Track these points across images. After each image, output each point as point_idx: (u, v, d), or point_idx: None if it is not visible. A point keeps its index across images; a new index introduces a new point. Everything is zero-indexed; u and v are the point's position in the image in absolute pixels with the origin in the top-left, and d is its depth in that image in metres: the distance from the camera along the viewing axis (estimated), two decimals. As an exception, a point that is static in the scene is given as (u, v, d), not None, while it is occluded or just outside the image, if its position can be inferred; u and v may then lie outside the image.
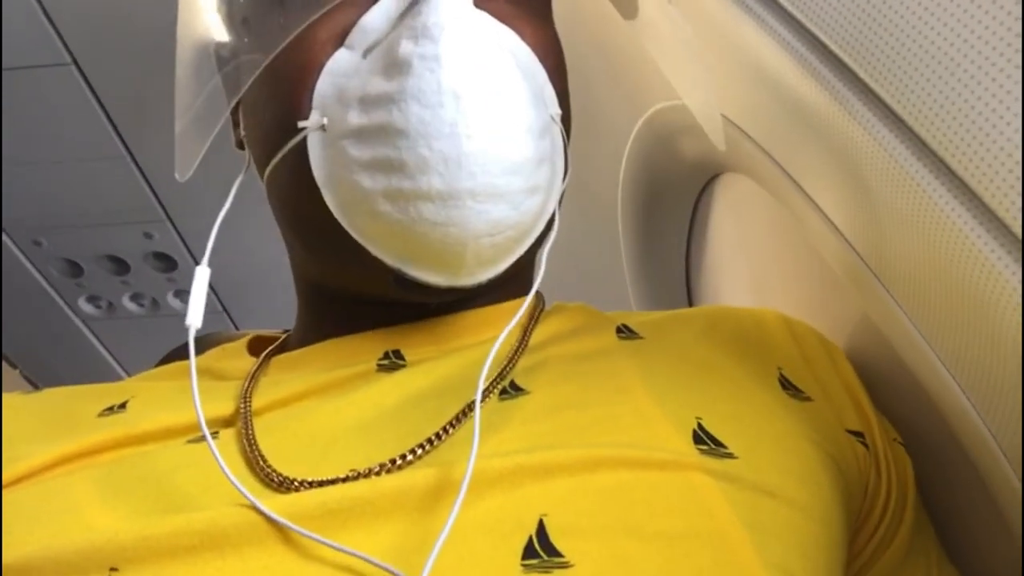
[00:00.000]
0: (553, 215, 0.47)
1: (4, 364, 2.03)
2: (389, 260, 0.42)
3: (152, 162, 1.52)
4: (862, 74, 0.36)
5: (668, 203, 0.73)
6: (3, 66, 1.33)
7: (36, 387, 2.11)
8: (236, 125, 0.51)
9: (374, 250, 0.42)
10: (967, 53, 0.31)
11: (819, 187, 0.43)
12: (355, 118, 0.41)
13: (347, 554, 0.33)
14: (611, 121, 0.72)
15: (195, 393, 0.38)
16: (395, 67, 0.40)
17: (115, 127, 1.45)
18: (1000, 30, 0.30)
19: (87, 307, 1.91)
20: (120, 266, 1.80)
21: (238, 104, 0.51)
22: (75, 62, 1.34)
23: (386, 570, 0.32)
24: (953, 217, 0.33)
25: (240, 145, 0.51)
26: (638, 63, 0.63)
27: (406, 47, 0.39)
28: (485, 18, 0.42)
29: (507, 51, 0.42)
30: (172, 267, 1.79)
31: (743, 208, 0.65)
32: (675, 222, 0.74)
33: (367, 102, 0.40)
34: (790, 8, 0.40)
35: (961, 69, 0.32)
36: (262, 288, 1.69)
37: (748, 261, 0.67)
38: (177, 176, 0.45)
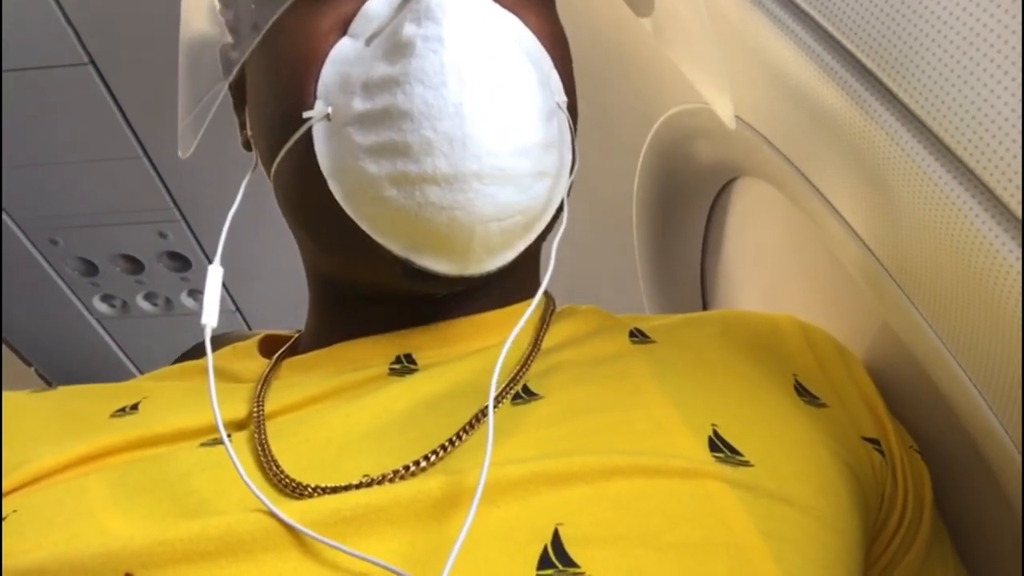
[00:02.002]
0: (562, 206, 0.46)
1: (19, 361, 2.05)
2: (396, 249, 0.41)
3: (167, 162, 1.52)
4: (881, 76, 0.36)
5: (683, 207, 0.72)
6: (20, 65, 1.34)
7: (50, 384, 2.12)
8: (243, 127, 0.51)
9: (381, 239, 0.41)
10: (987, 53, 0.31)
11: (837, 190, 0.43)
12: (359, 104, 0.40)
13: (361, 559, 0.32)
14: (626, 125, 0.72)
15: (213, 398, 0.38)
16: (398, 50, 0.39)
17: (131, 127, 1.45)
18: (1020, 31, 0.30)
19: (101, 306, 1.91)
20: (135, 265, 1.81)
21: (244, 104, 0.51)
22: (92, 62, 1.35)
23: None
24: (972, 219, 0.32)
25: (247, 146, 0.51)
26: (653, 67, 0.63)
27: (409, 29, 0.39)
28: (488, 2, 0.42)
29: (512, 34, 0.42)
30: (186, 267, 1.80)
31: (759, 212, 0.65)
32: (690, 226, 0.74)
33: (371, 87, 0.40)
34: (808, 10, 0.40)
35: (981, 69, 0.32)
36: (275, 287, 1.70)
37: (764, 266, 0.66)
38: (180, 154, 0.45)
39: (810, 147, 0.44)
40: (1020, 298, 0.31)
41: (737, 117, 0.50)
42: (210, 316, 0.40)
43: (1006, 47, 0.31)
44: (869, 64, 0.37)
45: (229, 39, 0.49)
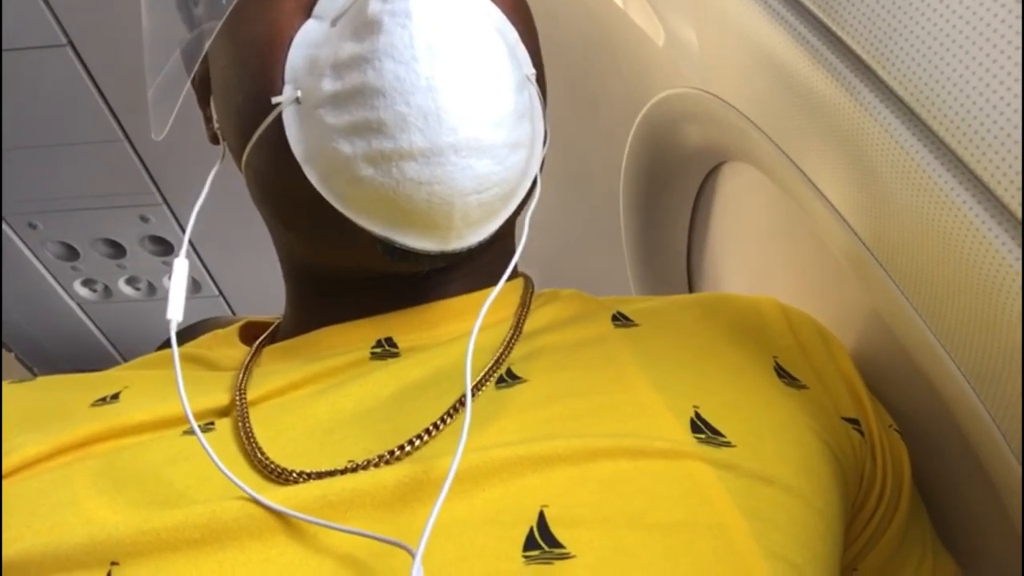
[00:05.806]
0: (536, 178, 0.46)
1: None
2: (376, 229, 0.41)
3: (148, 145, 1.51)
4: (868, 60, 0.36)
5: (671, 192, 0.72)
6: (-2, 47, 1.32)
7: (31, 370, 2.10)
8: (208, 120, 0.51)
9: (360, 220, 0.41)
10: (975, 40, 0.31)
11: (824, 175, 0.43)
12: (329, 85, 0.40)
13: (348, 532, 0.33)
14: (614, 109, 0.71)
15: (182, 392, 0.37)
16: (366, 27, 0.39)
17: (111, 109, 1.44)
18: (1009, 17, 0.30)
19: (82, 290, 1.90)
20: (116, 249, 1.79)
21: (208, 97, 0.50)
22: (71, 44, 1.33)
23: (391, 543, 0.32)
24: (959, 204, 0.33)
25: (214, 139, 0.50)
26: (642, 51, 0.63)
27: (375, 6, 0.39)
28: None
29: (478, 5, 0.42)
30: (168, 251, 1.79)
31: (747, 197, 0.65)
32: (678, 210, 0.74)
33: (340, 67, 0.40)
34: (798, -5, 0.40)
35: (968, 56, 0.32)
36: (259, 271, 1.69)
37: (750, 251, 0.67)
38: (153, 136, 0.44)
39: (798, 132, 0.44)
40: (1020, 299, 0.31)
41: (725, 102, 0.50)
42: (175, 311, 0.39)
43: (1002, 40, 0.31)
44: (857, 49, 0.37)
45: (187, 32, 0.48)
